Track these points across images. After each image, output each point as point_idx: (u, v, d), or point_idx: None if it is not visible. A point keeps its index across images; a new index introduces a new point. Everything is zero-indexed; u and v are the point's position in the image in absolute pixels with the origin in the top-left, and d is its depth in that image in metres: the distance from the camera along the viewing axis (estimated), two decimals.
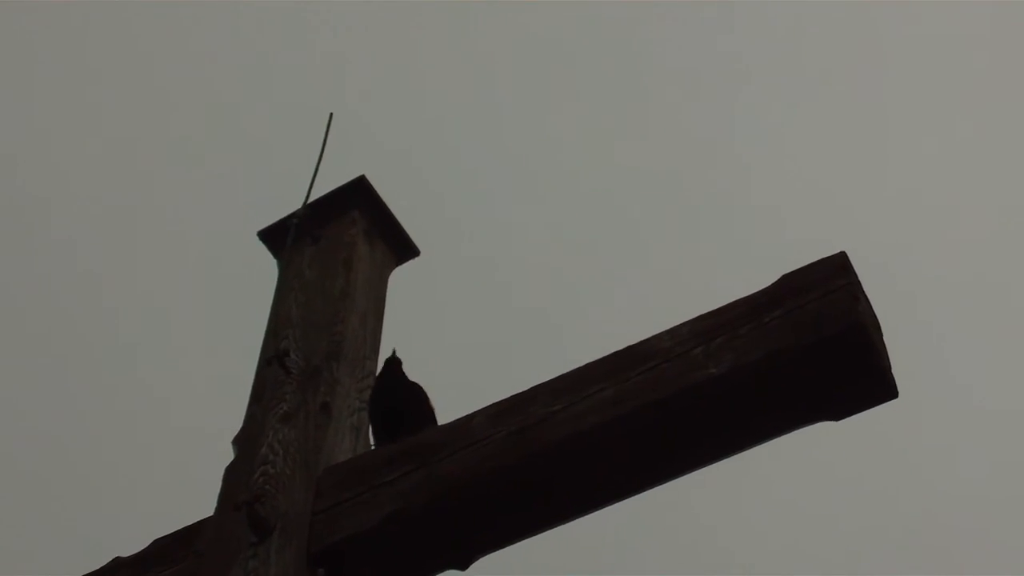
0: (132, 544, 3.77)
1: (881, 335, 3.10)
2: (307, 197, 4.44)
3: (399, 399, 3.75)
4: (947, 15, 11.74)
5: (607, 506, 3.29)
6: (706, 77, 12.19)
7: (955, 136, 11.89)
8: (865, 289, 3.13)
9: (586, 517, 3.32)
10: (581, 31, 12.31)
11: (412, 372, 3.91)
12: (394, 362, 3.88)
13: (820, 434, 3.21)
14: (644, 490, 3.27)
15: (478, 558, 3.33)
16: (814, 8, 11.90)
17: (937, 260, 11.48)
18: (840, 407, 3.12)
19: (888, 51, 12.16)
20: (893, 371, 3.09)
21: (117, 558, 3.76)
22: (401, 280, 4.51)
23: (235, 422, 3.89)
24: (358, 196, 4.45)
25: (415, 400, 3.75)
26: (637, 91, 12.29)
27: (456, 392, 3.95)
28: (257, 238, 4.55)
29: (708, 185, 12.07)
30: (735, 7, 11.98)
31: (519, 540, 3.32)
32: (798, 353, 3.05)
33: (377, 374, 3.93)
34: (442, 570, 3.34)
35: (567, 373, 3.31)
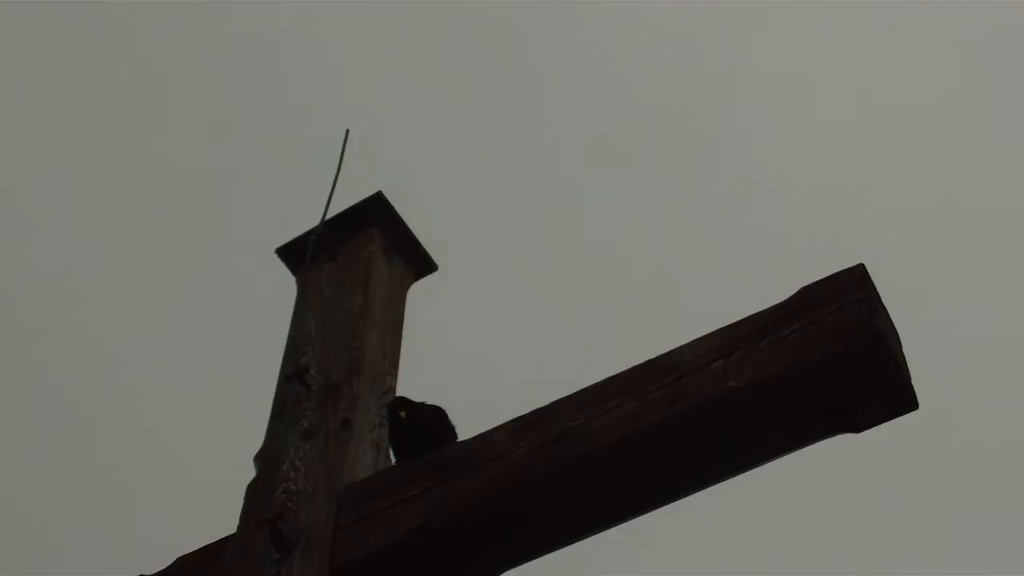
0: (155, 562, 3.78)
1: (901, 346, 3.10)
2: (324, 214, 4.45)
3: (420, 426, 3.72)
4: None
5: (629, 519, 3.29)
6: (716, 78, 12.20)
7: (976, 136, 11.87)
8: (884, 301, 3.14)
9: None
10: (593, 40, 12.33)
11: (432, 387, 3.91)
12: (404, 400, 3.84)
13: (839, 446, 3.22)
14: (665, 504, 3.28)
15: (501, 573, 3.34)
16: (817, 8, 11.92)
17: (958, 268, 11.45)
18: (860, 419, 3.12)
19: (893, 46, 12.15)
20: (913, 382, 3.10)
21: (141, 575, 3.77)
22: (420, 295, 4.53)
23: (256, 439, 3.90)
24: (376, 212, 4.46)
25: (435, 425, 3.73)
26: (652, 96, 12.29)
27: (476, 407, 3.95)
28: (275, 255, 4.56)
29: (725, 191, 12.07)
30: (735, 7, 12.00)
31: (542, 554, 3.32)
32: (817, 366, 3.05)
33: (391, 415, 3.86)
34: None
35: (587, 387, 3.32)
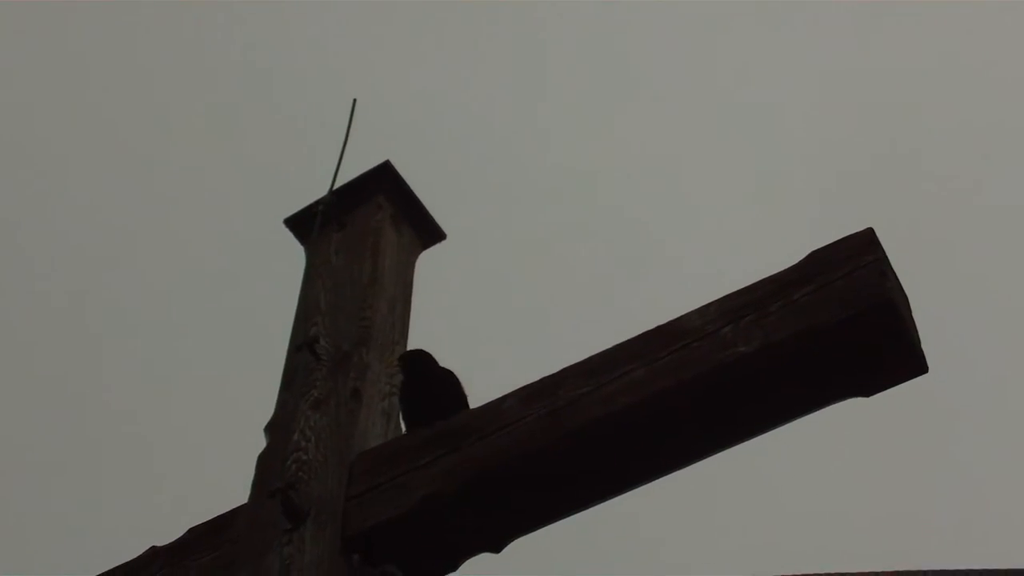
0: (167, 533, 3.79)
1: (910, 310, 3.10)
2: (333, 183, 4.44)
3: (431, 386, 3.73)
4: None
5: (639, 486, 3.29)
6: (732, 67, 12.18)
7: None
8: (893, 264, 3.13)
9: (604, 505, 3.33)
10: (603, 18, 12.29)
11: (441, 356, 3.90)
12: (422, 354, 3.85)
13: (848, 410, 3.21)
14: (675, 470, 3.28)
15: (512, 540, 3.34)
16: None
17: (967, 233, 11.42)
18: (870, 383, 3.11)
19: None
20: (923, 346, 3.09)
21: (153, 547, 3.77)
22: (428, 264, 4.52)
23: (266, 409, 3.91)
24: (383, 181, 4.45)
25: (447, 386, 3.74)
26: (658, 76, 12.27)
27: (486, 375, 3.95)
28: (284, 225, 4.55)
29: (729, 167, 12.05)
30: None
31: (553, 522, 3.33)
32: (827, 330, 3.05)
33: (405, 367, 3.86)
34: (476, 553, 3.35)
35: (597, 354, 3.31)
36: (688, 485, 3.36)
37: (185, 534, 3.75)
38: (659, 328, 3.27)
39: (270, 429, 3.81)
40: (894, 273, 3.11)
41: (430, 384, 3.72)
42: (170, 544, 3.75)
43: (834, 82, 12.16)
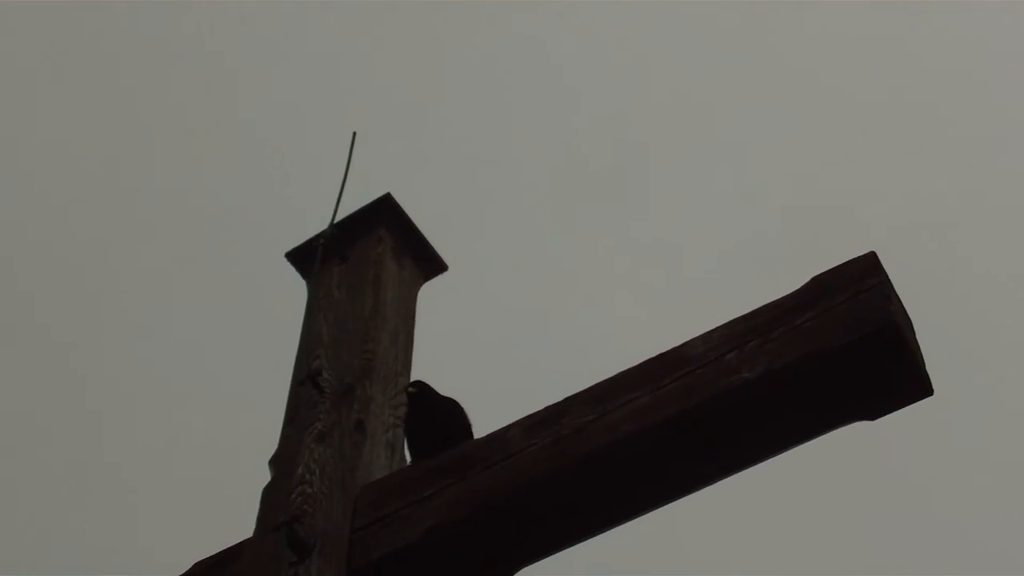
0: (173, 567, 3.78)
1: (914, 333, 3.09)
2: (333, 217, 4.45)
3: (435, 416, 3.73)
4: None
5: (645, 514, 3.28)
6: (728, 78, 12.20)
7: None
8: (896, 287, 3.12)
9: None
10: (606, 45, 12.33)
11: (444, 387, 3.91)
12: (422, 385, 3.86)
13: (852, 433, 3.20)
14: (681, 496, 3.27)
15: (519, 570, 3.33)
16: None
17: (971, 254, 11.42)
18: (875, 407, 3.11)
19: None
20: (927, 368, 3.08)
21: None
22: (430, 295, 4.52)
23: (270, 443, 3.90)
24: (384, 214, 4.46)
25: (451, 415, 3.74)
26: (662, 99, 12.30)
27: (489, 405, 3.95)
28: (285, 259, 4.56)
29: (731, 182, 12.07)
30: None
31: (559, 550, 3.32)
32: (831, 355, 3.04)
33: (409, 399, 3.87)
34: None
35: (601, 382, 3.31)
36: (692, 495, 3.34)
37: (191, 568, 3.75)
38: (663, 355, 3.27)
39: (274, 462, 3.80)
40: (897, 296, 3.11)
41: (434, 415, 3.72)
42: None
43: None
